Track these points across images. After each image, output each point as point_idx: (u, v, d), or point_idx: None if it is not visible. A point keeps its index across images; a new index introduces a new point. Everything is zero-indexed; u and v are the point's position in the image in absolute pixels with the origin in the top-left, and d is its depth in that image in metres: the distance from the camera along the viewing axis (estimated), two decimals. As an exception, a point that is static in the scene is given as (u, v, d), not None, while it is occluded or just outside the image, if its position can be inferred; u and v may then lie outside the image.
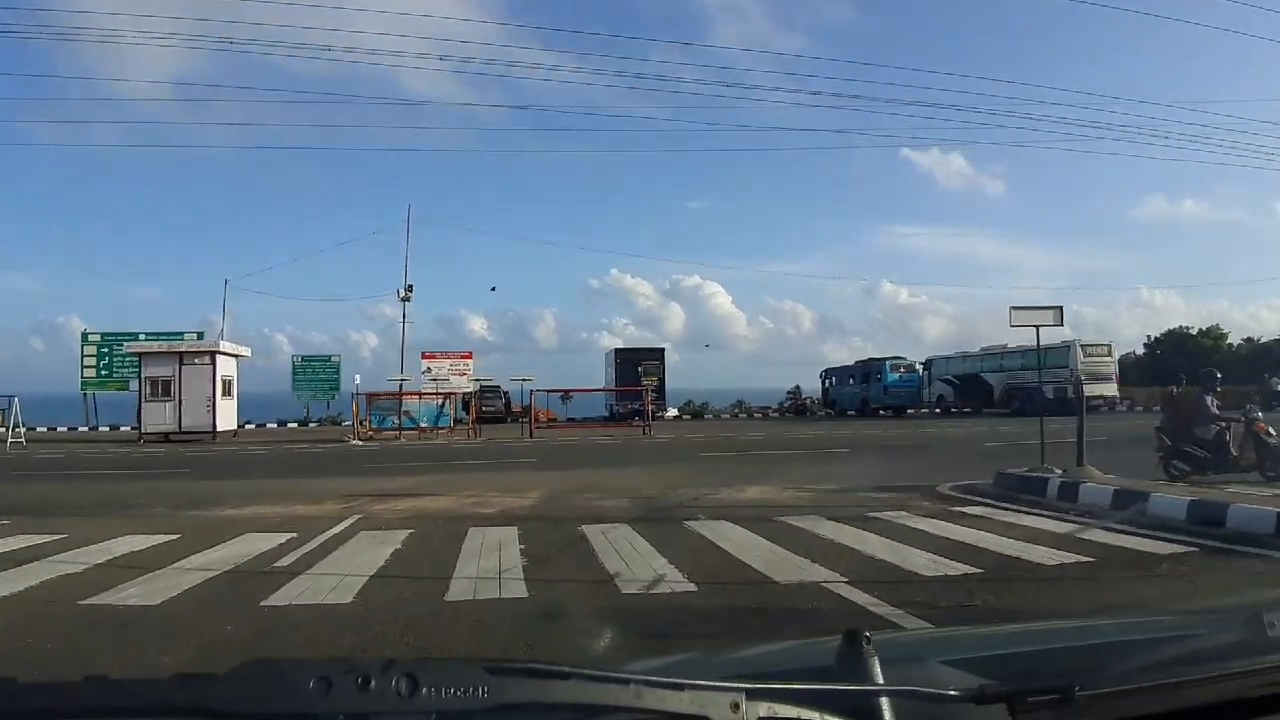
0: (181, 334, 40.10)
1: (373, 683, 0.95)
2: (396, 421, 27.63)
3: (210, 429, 29.10)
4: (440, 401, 28.13)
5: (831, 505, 10.71)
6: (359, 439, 25.52)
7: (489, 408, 39.06)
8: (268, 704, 0.97)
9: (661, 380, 41.19)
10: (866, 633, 1.24)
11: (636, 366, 40.74)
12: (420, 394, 28.39)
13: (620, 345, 44.56)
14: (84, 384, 37.76)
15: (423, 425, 27.74)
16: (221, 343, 30.75)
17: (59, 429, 35.78)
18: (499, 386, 38.52)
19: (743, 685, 1.07)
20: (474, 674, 0.99)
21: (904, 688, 1.15)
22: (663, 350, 43.46)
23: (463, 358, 29.30)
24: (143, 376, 29.44)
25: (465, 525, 9.40)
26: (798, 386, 49.06)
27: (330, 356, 39.18)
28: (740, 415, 45.14)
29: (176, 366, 29.60)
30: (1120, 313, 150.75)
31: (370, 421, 27.72)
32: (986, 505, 10.50)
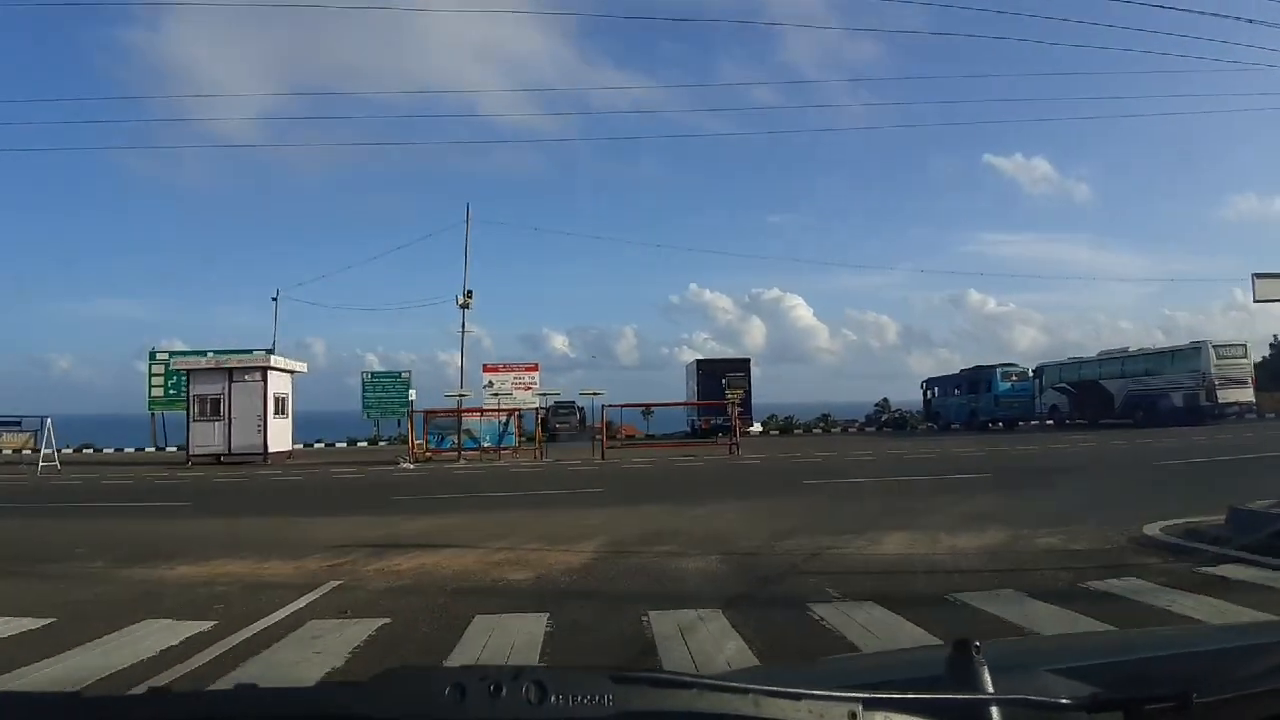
0: (250, 351, 38.83)
1: (504, 690, 0.97)
2: (455, 441, 24.68)
3: (261, 450, 26.86)
4: (504, 418, 25.07)
5: (1022, 568, 7.40)
6: (411, 461, 22.58)
7: (563, 425, 36.05)
8: (407, 710, 0.99)
9: (747, 394, 37.49)
10: (976, 642, 1.20)
11: (720, 379, 37.17)
12: (481, 411, 25.37)
13: (702, 357, 40.77)
14: (151, 404, 36.38)
15: (485, 445, 24.70)
16: (273, 358, 28.37)
17: (125, 450, 34.25)
18: (573, 402, 35.44)
19: (859, 695, 1.08)
20: (599, 683, 1.00)
21: (1016, 696, 1.15)
22: (748, 361, 39.76)
23: (527, 369, 26.12)
24: (190, 395, 27.38)
25: (473, 608, 6.16)
26: (885, 399, 46.08)
27: (400, 373, 36.65)
28: (833, 429, 41.17)
29: (226, 384, 27.49)
30: (1214, 316, 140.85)
31: (427, 441, 24.83)
32: (1244, 563, 7.01)
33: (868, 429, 41.24)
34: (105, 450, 34.15)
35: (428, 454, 24.61)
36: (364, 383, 36.32)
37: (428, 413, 24.99)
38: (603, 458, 22.95)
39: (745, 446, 25.90)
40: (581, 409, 39.03)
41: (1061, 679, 1.33)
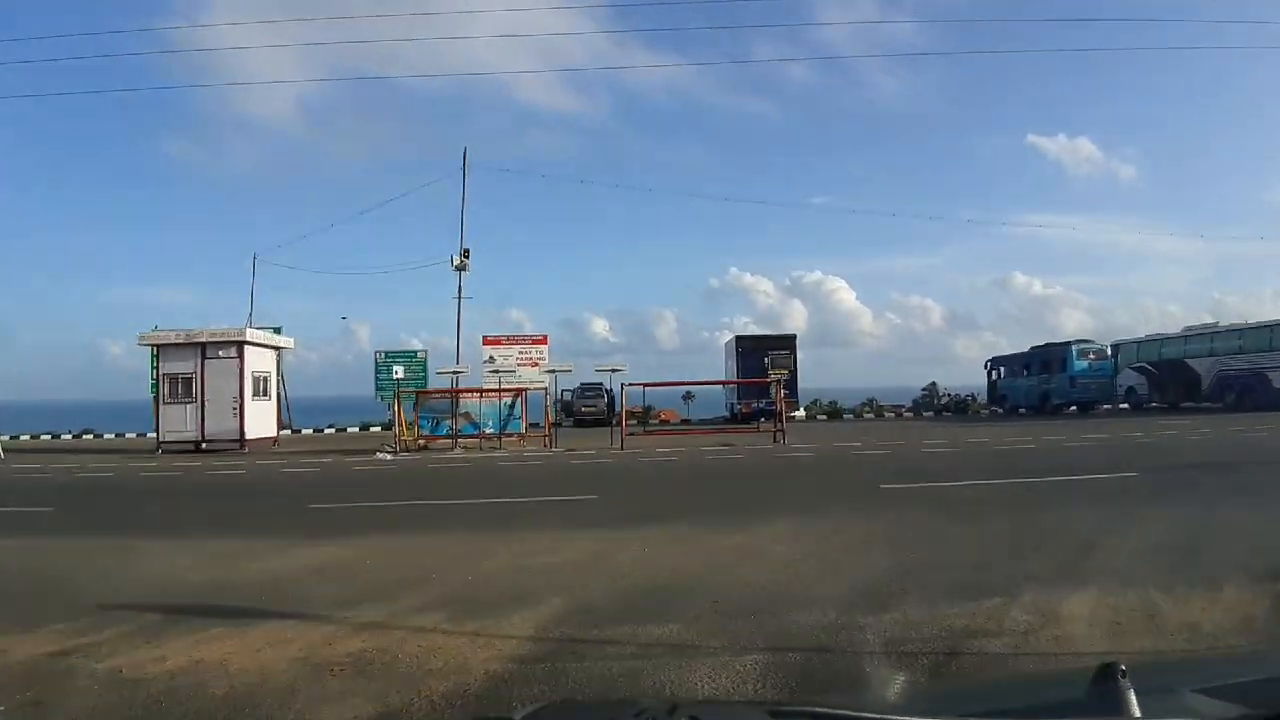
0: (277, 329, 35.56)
1: None
2: (452, 426, 20.87)
3: (237, 437, 23.31)
4: (509, 400, 21.18)
5: None
6: (391, 451, 18.79)
7: (589, 408, 32.11)
8: None
9: (793, 374, 33.15)
10: (1122, 665, 1.18)
11: (763, 358, 32.87)
12: (481, 391, 21.46)
13: (743, 334, 36.23)
14: (153, 386, 33.25)
15: (486, 430, 20.84)
16: (250, 331, 24.72)
17: (106, 436, 31.21)
18: (601, 384, 31.41)
19: None
20: (756, 717, 1.04)
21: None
22: (793, 338, 35.12)
23: (535, 342, 22.09)
24: (160, 374, 23.91)
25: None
26: (934, 383, 40.63)
27: (416, 352, 32.96)
28: (886, 414, 36.74)
29: (198, 361, 23.85)
30: (1265, 302, 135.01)
31: (419, 426, 21.04)
32: None
33: (925, 414, 36.74)
34: (86, 437, 31.01)
35: (420, 441, 20.84)
36: (377, 364, 32.72)
37: (419, 393, 21.15)
38: (621, 447, 18.97)
39: (791, 433, 21.76)
40: (610, 391, 35.00)
41: (1210, 700, 1.26)
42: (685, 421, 36.38)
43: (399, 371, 20.39)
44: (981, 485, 10.33)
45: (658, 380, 23.39)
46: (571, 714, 1.04)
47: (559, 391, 36.66)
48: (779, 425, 19.72)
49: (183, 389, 23.68)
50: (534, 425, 21.67)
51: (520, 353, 21.81)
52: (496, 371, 20.98)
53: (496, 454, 18.82)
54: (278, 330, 28.50)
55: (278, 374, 26.18)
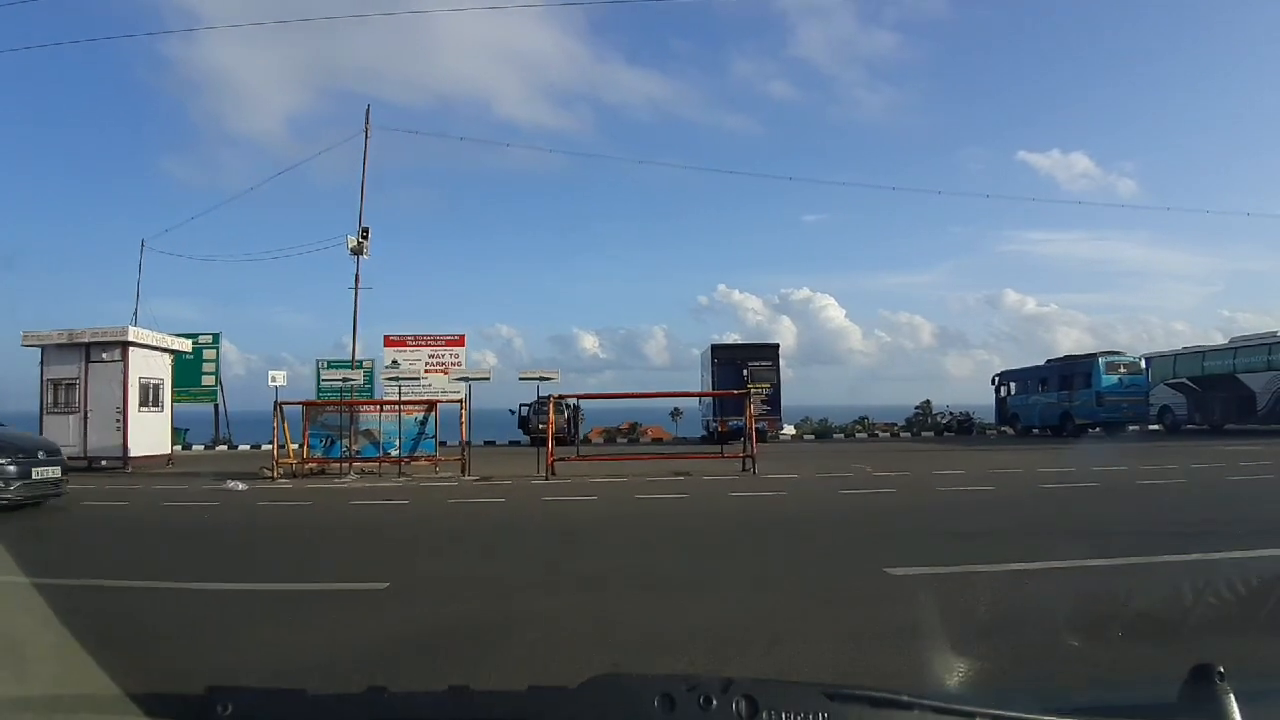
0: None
1: (714, 703, 0.91)
2: (348, 447, 16.28)
3: (120, 454, 19.03)
4: (421, 415, 16.59)
5: None
6: (240, 481, 14.07)
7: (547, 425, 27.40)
8: (615, 718, 0.94)
9: (775, 389, 28.57)
10: (1220, 668, 1.07)
11: (741, 370, 28.27)
12: (381, 404, 16.86)
13: (720, 342, 31.51)
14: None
15: (391, 452, 16.23)
16: (134, 330, 20.26)
17: None
18: (561, 399, 26.74)
19: None
20: (813, 699, 0.93)
21: None
22: (776, 348, 30.41)
23: (450, 343, 17.38)
24: (43, 379, 19.60)
25: None
26: (927, 401, 37.77)
27: (361, 361, 28.41)
28: (880, 434, 32.19)
29: (82, 365, 19.86)
30: None
31: (307, 446, 16.44)
32: None
33: (924, 434, 32.17)
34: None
35: (309, 464, 16.26)
36: (318, 371, 28.18)
37: (308, 404, 16.52)
38: (546, 477, 14.41)
39: (771, 457, 17.19)
40: (575, 406, 30.38)
41: None
42: (657, 442, 32.17)
43: (275, 379, 15.69)
44: (1061, 572, 5.73)
45: (591, 392, 18.63)
46: (627, 685, 0.95)
47: (518, 406, 32.26)
48: (747, 450, 15.07)
49: (66, 397, 19.69)
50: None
51: (431, 356, 17.17)
52: (396, 379, 16.34)
53: (383, 484, 14.24)
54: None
55: (171, 381, 21.68)
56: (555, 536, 8.21)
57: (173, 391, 22.44)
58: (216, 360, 31.38)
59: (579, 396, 18.08)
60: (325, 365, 26.47)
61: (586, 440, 34.20)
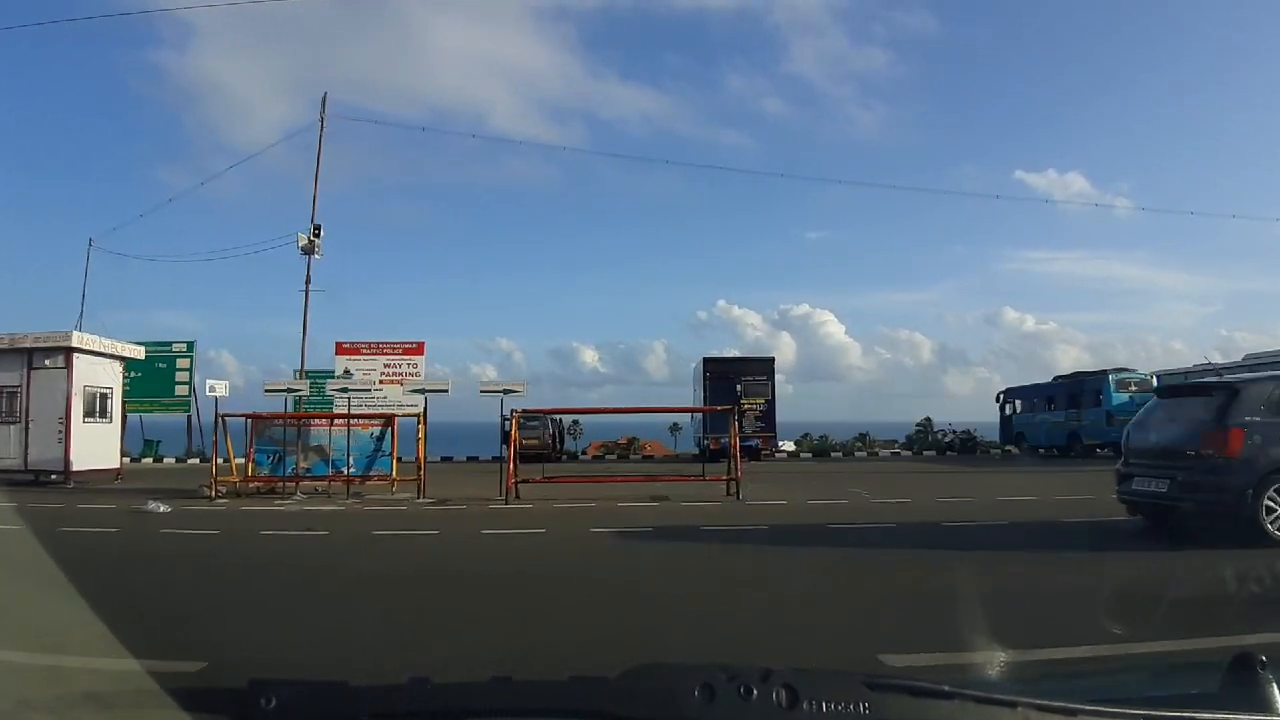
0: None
1: (755, 692, 0.91)
2: (299, 464, 14.63)
3: (61, 467, 17.56)
4: (377, 430, 14.95)
5: None
6: (161, 503, 12.29)
7: (530, 440, 25.61)
8: (655, 709, 0.94)
9: (770, 404, 26.86)
10: (1263, 657, 1.07)
11: (735, 385, 26.56)
12: (331, 417, 15.20)
13: (713, 355, 29.67)
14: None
15: (345, 471, 14.54)
16: (76, 334, 18.75)
17: None
18: (534, 413, 24.99)
19: (1141, 712, 0.98)
20: (854, 688, 0.92)
21: None
22: (770, 361, 28.65)
23: (407, 352, 15.69)
24: (-19, 387, 18.23)
25: None
26: (928, 418, 36.72)
27: (334, 373, 26.77)
28: (880, 453, 30.55)
29: (24, 371, 18.44)
30: None
31: (252, 463, 14.79)
32: None
33: (925, 452, 30.50)
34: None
35: (254, 482, 14.61)
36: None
37: (253, 417, 14.86)
38: (507, 500, 12.76)
39: (761, 478, 15.51)
40: (558, 421, 28.69)
41: None
42: (648, 460, 30.59)
43: (213, 387, 14.06)
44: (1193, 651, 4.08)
45: (548, 407, 16.98)
46: (666, 674, 0.92)
47: (500, 420, 30.60)
48: (735, 473, 13.39)
49: (7, 406, 18.32)
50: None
51: (387, 366, 15.51)
52: (345, 390, 14.69)
53: (325, 507, 12.58)
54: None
55: (121, 390, 20.11)
56: (455, 592, 6.51)
57: (124, 401, 20.96)
58: (191, 370, 29.80)
59: (554, 411, 16.42)
60: (303, 375, 24.88)
61: (577, 456, 32.78)
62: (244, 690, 0.99)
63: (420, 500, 13.30)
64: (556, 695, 0.98)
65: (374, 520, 11.02)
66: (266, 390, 14.59)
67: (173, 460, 28.38)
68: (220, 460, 14.41)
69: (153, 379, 28.17)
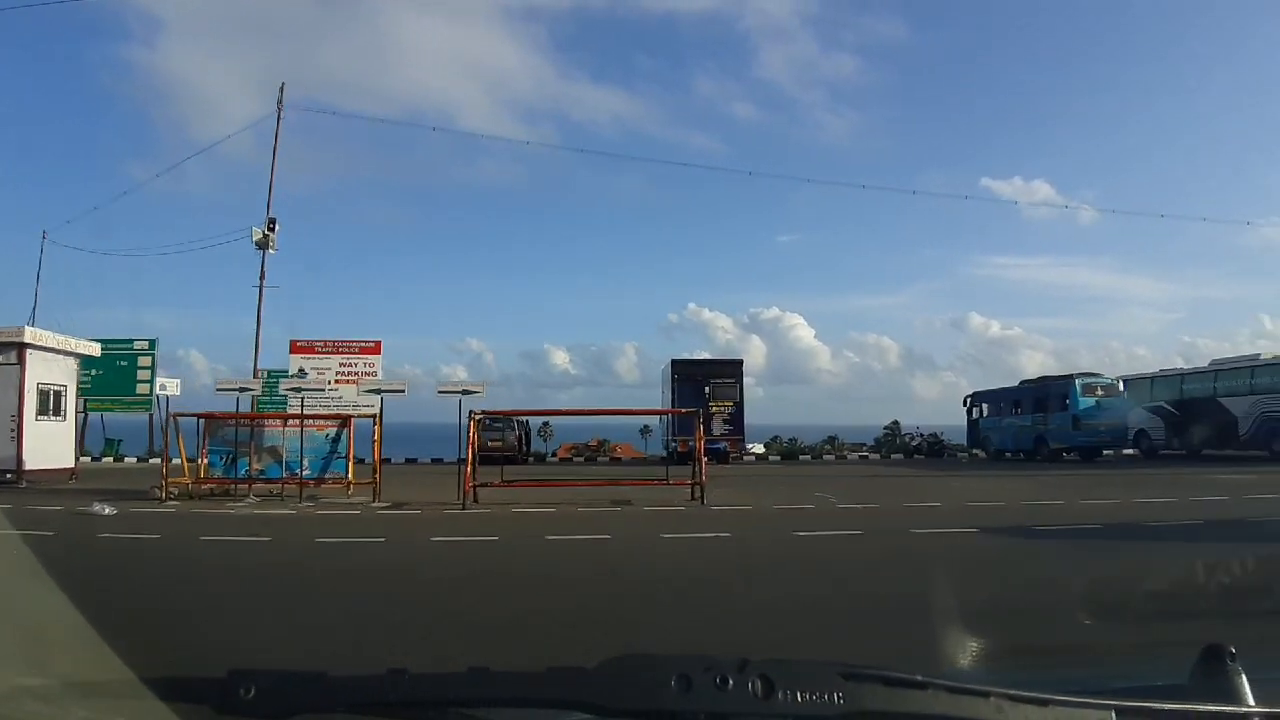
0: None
1: (731, 682, 0.91)
2: (253, 466, 14.17)
3: (14, 466, 16.98)
4: (333, 431, 14.52)
5: None
6: (107, 505, 11.78)
7: (494, 442, 25.09)
8: (632, 699, 0.94)
9: (739, 407, 26.66)
10: (1231, 649, 1.08)
11: (703, 387, 26.35)
12: (284, 417, 14.75)
13: (681, 357, 29.39)
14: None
15: (299, 473, 14.09)
16: (30, 330, 18.14)
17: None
18: (507, 415, 24.55)
19: (1111, 702, 0.97)
20: (829, 679, 0.92)
21: None
22: (739, 364, 28.49)
23: (364, 350, 15.25)
24: (-67, 383, 17.63)
25: None
26: (896, 422, 36.23)
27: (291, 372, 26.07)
28: (849, 456, 30.46)
29: None
30: (1241, 344, 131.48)
31: (204, 464, 14.30)
32: None
33: (893, 455, 30.49)
34: None
35: (206, 484, 14.13)
36: (264, 380, 25.78)
37: (205, 417, 14.37)
38: (464, 505, 12.39)
39: (728, 482, 15.27)
40: (524, 424, 28.24)
41: None
42: (615, 461, 30.32)
43: (163, 388, 13.55)
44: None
45: (510, 409, 16.64)
46: (645, 665, 0.93)
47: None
48: (696, 477, 13.13)
49: None
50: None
51: (342, 365, 15.05)
52: (299, 390, 14.23)
53: (277, 510, 12.14)
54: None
55: (76, 387, 19.50)
56: (391, 608, 6.18)
57: (84, 400, 20.34)
58: (153, 368, 28.97)
59: (519, 413, 15.91)
60: (267, 374, 24.21)
61: (546, 459, 32.37)
62: (223, 680, 0.99)
63: (375, 504, 12.89)
64: (533, 685, 1.00)
65: (323, 525, 10.60)
66: (218, 388, 14.11)
67: (134, 460, 27.59)
68: (174, 461, 13.96)
69: (114, 377, 27.32)
